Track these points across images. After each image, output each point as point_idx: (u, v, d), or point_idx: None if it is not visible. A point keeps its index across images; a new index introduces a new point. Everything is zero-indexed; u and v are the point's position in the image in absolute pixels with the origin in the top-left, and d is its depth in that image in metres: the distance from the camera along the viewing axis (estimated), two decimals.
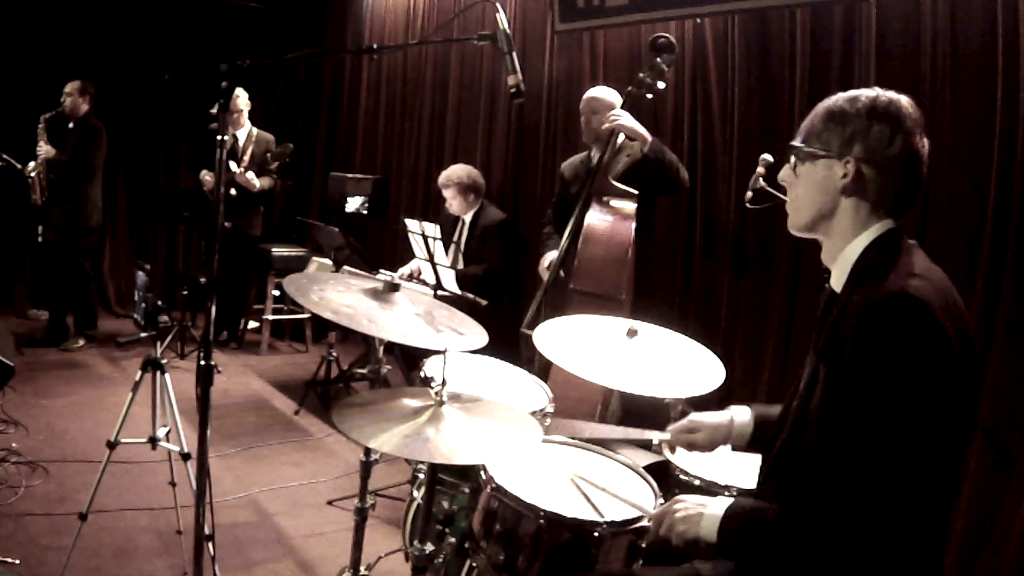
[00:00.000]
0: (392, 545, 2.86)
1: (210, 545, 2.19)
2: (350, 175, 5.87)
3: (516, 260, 4.57)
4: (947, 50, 2.81)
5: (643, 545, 1.65)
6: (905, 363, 1.20)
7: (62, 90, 5.19)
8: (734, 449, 1.75)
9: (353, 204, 5.66)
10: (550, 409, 2.25)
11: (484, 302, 4.03)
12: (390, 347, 4.14)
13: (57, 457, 3.55)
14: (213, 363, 1.84)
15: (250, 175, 5.35)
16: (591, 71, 4.29)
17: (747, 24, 3.51)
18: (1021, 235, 2.62)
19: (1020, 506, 2.54)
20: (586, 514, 1.66)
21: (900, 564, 1.25)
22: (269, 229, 6.04)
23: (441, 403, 1.74)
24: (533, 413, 2.04)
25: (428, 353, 2.31)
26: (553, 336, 2.14)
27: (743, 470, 1.90)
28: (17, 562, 2.66)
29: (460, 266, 4.38)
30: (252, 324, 6.07)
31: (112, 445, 2.65)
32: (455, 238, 4.52)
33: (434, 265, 3.99)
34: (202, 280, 5.51)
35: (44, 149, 5.12)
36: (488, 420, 1.75)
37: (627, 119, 3.24)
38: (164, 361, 2.72)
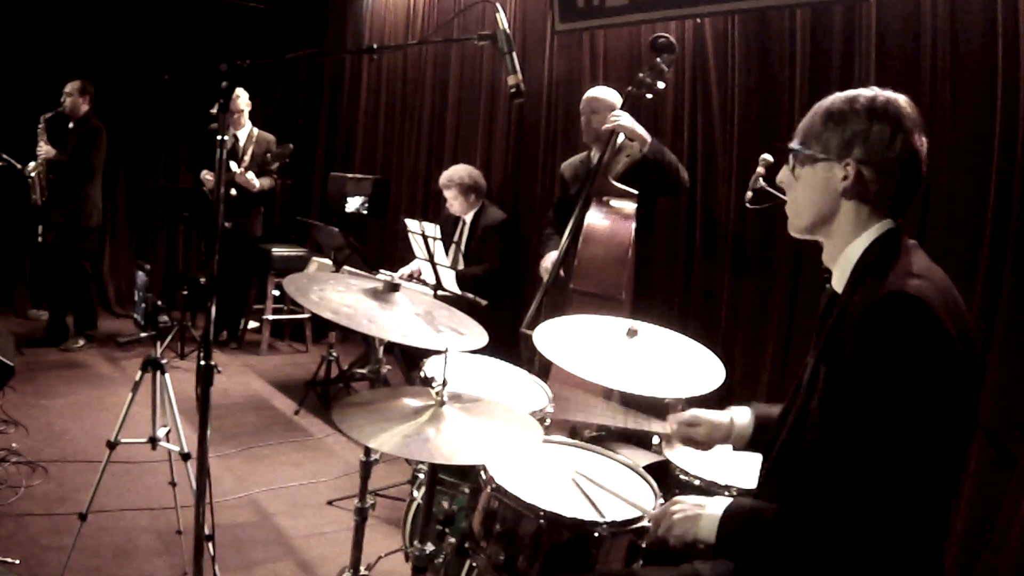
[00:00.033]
0: (392, 545, 2.86)
1: (210, 545, 2.19)
2: (350, 175, 5.87)
3: (517, 260, 4.57)
4: (947, 50, 2.81)
5: (643, 545, 1.65)
6: (906, 363, 1.20)
7: (62, 90, 5.19)
8: (735, 449, 1.74)
9: (353, 204, 5.66)
10: (550, 409, 2.25)
11: (484, 302, 4.03)
12: (390, 347, 4.14)
13: (57, 457, 3.55)
14: (213, 363, 1.84)
15: (250, 175, 5.35)
16: (591, 71, 4.29)
17: (747, 24, 3.51)
18: (1021, 235, 2.62)
19: (1020, 506, 2.54)
20: (586, 514, 1.66)
21: (900, 564, 1.25)
22: (269, 229, 6.04)
23: (441, 403, 1.74)
24: (533, 413, 2.04)
25: (428, 353, 2.31)
26: (553, 336, 2.14)
27: (743, 470, 1.90)
28: (17, 562, 2.66)
29: (460, 266, 4.38)
30: (252, 324, 6.07)
31: (112, 445, 2.65)
32: (456, 238, 4.52)
33: (434, 265, 3.99)
34: (202, 280, 5.51)
35: (44, 149, 5.12)
36: (488, 420, 1.75)
37: (627, 119, 3.24)
38: (164, 361, 2.72)
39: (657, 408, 2.34)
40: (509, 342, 3.13)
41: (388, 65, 6.10)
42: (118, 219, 6.59)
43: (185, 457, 2.70)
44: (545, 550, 1.63)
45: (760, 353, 3.47)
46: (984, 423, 2.61)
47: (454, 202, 4.50)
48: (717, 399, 1.99)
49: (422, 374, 2.33)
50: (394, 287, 2.00)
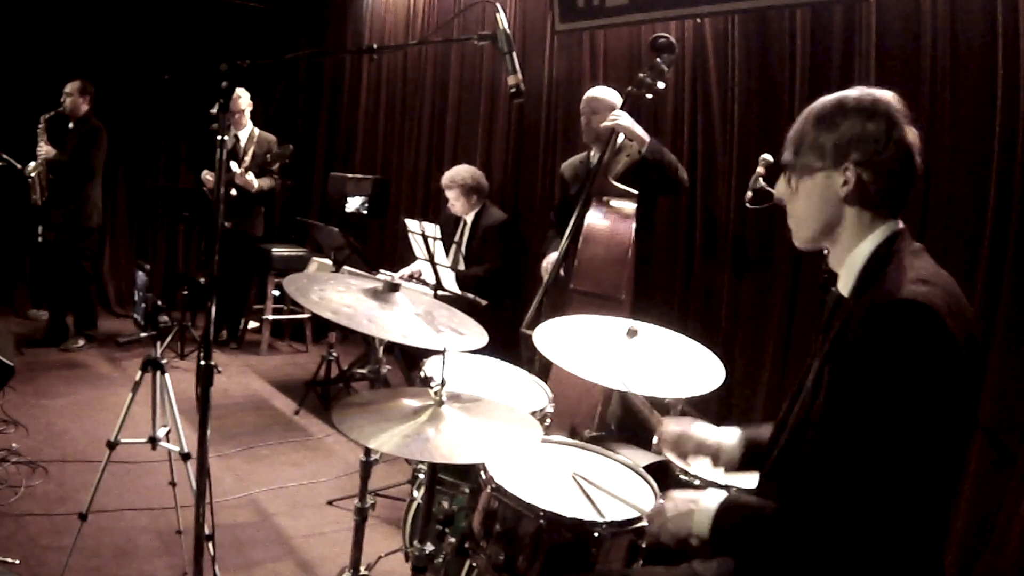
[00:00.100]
0: (392, 545, 2.86)
1: (210, 545, 2.19)
2: (350, 175, 5.87)
3: (517, 261, 4.57)
4: (947, 50, 2.81)
5: (643, 545, 1.65)
6: (912, 368, 1.20)
7: (62, 90, 5.19)
8: (727, 471, 1.73)
9: (353, 204, 5.66)
10: (550, 409, 2.25)
11: (484, 302, 4.03)
12: (390, 347, 4.14)
13: (57, 457, 3.55)
14: (213, 363, 1.84)
15: (249, 176, 5.35)
16: (591, 71, 4.29)
17: (747, 24, 3.51)
18: (1021, 235, 2.62)
19: (1020, 506, 2.54)
20: (586, 514, 1.66)
21: (900, 564, 1.25)
22: (269, 229, 6.04)
23: (441, 403, 1.74)
24: (533, 413, 2.04)
25: (428, 353, 2.31)
26: (553, 336, 2.14)
27: (746, 476, 1.89)
28: (17, 562, 2.66)
29: (461, 267, 4.38)
30: (252, 324, 6.07)
31: (112, 445, 2.65)
32: (456, 239, 4.52)
33: (434, 265, 3.99)
34: (202, 280, 5.51)
35: (44, 149, 5.12)
36: (488, 420, 1.75)
37: (625, 119, 3.24)
38: (164, 361, 2.72)
39: (657, 408, 2.34)
40: (509, 342, 3.13)
41: (388, 65, 6.10)
42: (118, 219, 6.59)
43: (185, 457, 2.70)
44: (545, 550, 1.63)
45: (760, 353, 3.47)
46: (984, 423, 2.61)
47: (456, 202, 4.50)
48: (717, 399, 2.00)
49: (422, 374, 2.34)
50: (394, 287, 2.00)
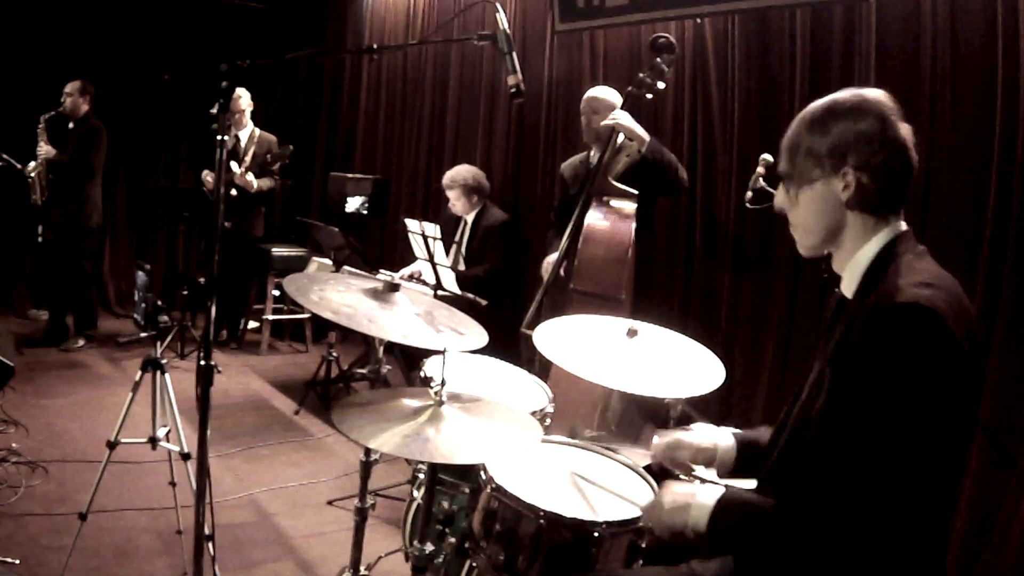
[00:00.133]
0: (392, 545, 2.86)
1: (210, 545, 2.19)
2: (350, 175, 5.87)
3: (517, 261, 4.57)
4: (947, 50, 2.81)
5: (643, 545, 1.65)
6: (915, 372, 1.20)
7: (62, 90, 5.19)
8: (720, 476, 1.72)
9: (353, 204, 5.66)
10: (550, 409, 2.25)
11: (484, 302, 4.03)
12: (390, 347, 4.14)
13: (57, 457, 3.55)
14: (213, 363, 1.84)
15: (249, 176, 5.35)
16: (591, 71, 4.29)
17: (747, 24, 3.51)
18: (1021, 235, 2.62)
19: (1020, 506, 2.54)
20: (586, 514, 1.66)
21: (901, 564, 1.25)
22: (269, 229, 6.04)
23: (441, 403, 1.74)
24: (533, 413, 2.04)
25: (428, 353, 2.31)
26: (553, 336, 2.13)
27: (741, 481, 1.89)
28: (17, 562, 2.66)
29: (461, 267, 4.38)
30: (252, 324, 6.07)
31: (112, 445, 2.65)
32: (457, 239, 4.52)
33: (434, 265, 3.99)
34: (202, 280, 5.51)
35: (44, 149, 5.12)
36: (488, 420, 1.75)
37: (625, 118, 3.24)
38: (164, 361, 2.72)
39: (657, 408, 2.35)
40: (509, 342, 3.13)
41: (388, 65, 6.10)
42: (118, 219, 6.59)
43: (185, 457, 2.70)
44: (545, 550, 1.63)
45: (760, 353, 3.47)
46: (984, 423, 2.61)
47: (457, 202, 4.50)
48: (717, 399, 1.99)
49: (422, 374, 2.33)
50: (394, 287, 2.00)
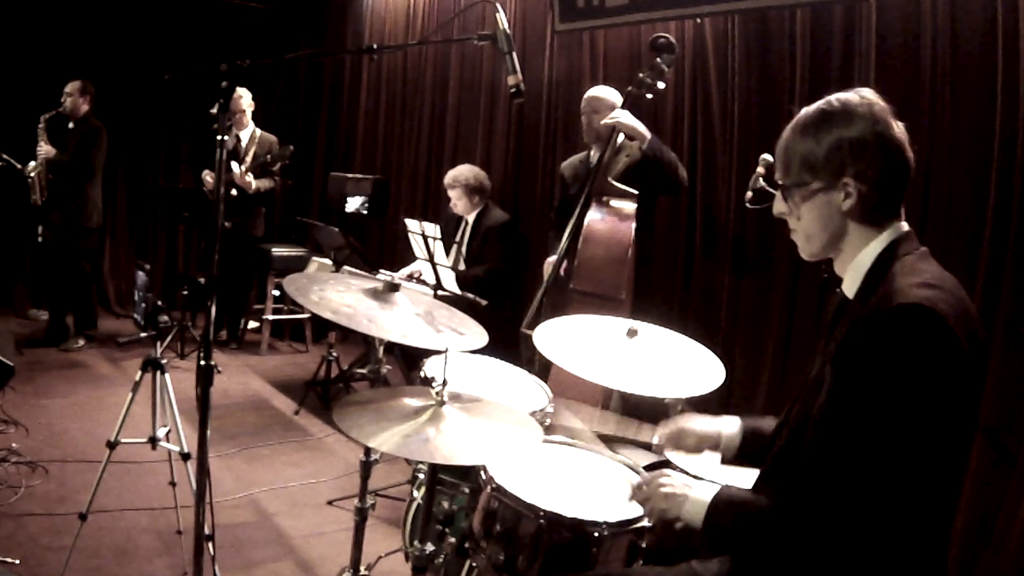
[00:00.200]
0: (392, 545, 2.86)
1: (210, 545, 2.19)
2: (350, 175, 5.87)
3: (518, 261, 4.57)
4: (947, 50, 2.81)
5: (643, 545, 1.65)
6: (917, 372, 1.20)
7: (62, 90, 5.19)
8: (724, 462, 1.73)
9: (353, 204, 5.66)
10: (550, 409, 2.25)
11: (484, 302, 4.03)
12: (390, 347, 4.14)
13: (57, 457, 3.55)
14: (213, 363, 1.84)
15: (249, 177, 5.35)
16: (591, 71, 4.29)
17: (747, 24, 3.51)
18: (1021, 235, 2.62)
19: (1020, 506, 2.54)
20: (586, 514, 1.66)
21: (902, 564, 1.25)
22: (269, 229, 6.04)
23: (441, 403, 1.74)
24: (533, 413, 2.04)
25: (428, 353, 2.31)
26: (553, 336, 2.13)
27: (744, 471, 1.89)
28: (17, 562, 2.66)
29: (461, 267, 4.38)
30: (252, 324, 6.07)
31: (112, 445, 2.65)
32: (458, 238, 4.52)
33: (434, 265, 3.99)
34: (202, 280, 5.51)
35: (44, 149, 5.12)
36: (488, 420, 1.75)
37: (626, 117, 3.24)
38: (164, 361, 2.72)
39: (657, 408, 2.35)
40: (509, 342, 3.13)
41: (388, 65, 6.10)
42: (118, 219, 6.59)
43: (185, 457, 2.70)
44: (545, 550, 1.63)
45: (760, 353, 3.47)
46: (984, 423, 2.61)
47: (458, 202, 4.50)
48: (717, 399, 1.99)
49: (422, 374, 2.33)
50: (394, 287, 2.00)
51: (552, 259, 3.46)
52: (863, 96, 1.36)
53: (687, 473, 1.92)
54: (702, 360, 2.12)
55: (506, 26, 2.00)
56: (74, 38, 5.99)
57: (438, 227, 4.06)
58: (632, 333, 2.14)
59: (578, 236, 3.15)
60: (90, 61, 5.84)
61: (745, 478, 1.62)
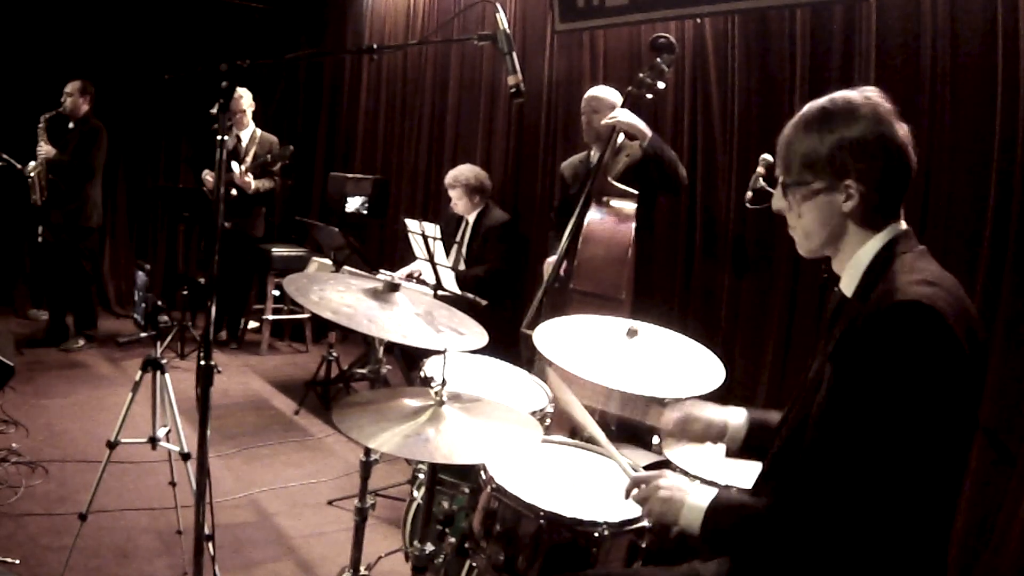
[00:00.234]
0: (392, 545, 2.86)
1: (210, 545, 2.19)
2: (350, 175, 5.87)
3: (518, 261, 4.57)
4: (947, 50, 2.81)
5: (643, 545, 1.65)
6: (916, 370, 1.19)
7: (62, 90, 5.19)
8: (728, 454, 1.73)
9: (353, 204, 5.66)
10: (550, 409, 2.25)
11: (484, 302, 4.03)
12: (390, 347, 4.14)
13: (57, 457, 3.55)
14: (213, 363, 1.84)
15: (248, 177, 5.35)
16: (591, 71, 4.29)
17: (747, 24, 3.51)
18: (1021, 235, 2.62)
19: (1020, 506, 2.54)
20: (586, 514, 1.66)
21: (902, 565, 1.24)
22: (269, 229, 6.04)
23: (441, 403, 1.74)
24: (533, 413, 2.04)
25: (428, 353, 2.31)
26: (553, 336, 2.14)
27: (744, 471, 1.89)
28: (17, 562, 2.66)
29: (462, 267, 4.38)
30: (252, 324, 6.07)
31: (112, 445, 2.65)
32: (458, 238, 4.52)
33: (434, 265, 3.99)
34: (202, 280, 5.51)
35: (44, 149, 5.12)
36: (488, 420, 1.75)
37: (626, 116, 3.24)
38: (164, 361, 2.72)
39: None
40: (509, 342, 3.13)
41: (388, 65, 6.10)
42: (118, 219, 6.59)
43: (185, 457, 2.70)
44: (545, 550, 1.63)
45: (760, 353, 3.47)
46: (984, 423, 2.61)
47: (458, 202, 4.50)
48: (717, 399, 1.99)
49: (422, 374, 2.33)
50: (394, 287, 2.00)
51: (552, 259, 3.46)
52: (867, 96, 1.35)
53: (687, 474, 1.93)
54: (702, 360, 2.12)
55: (506, 26, 2.00)
56: (74, 38, 5.99)
57: (438, 227, 4.06)
58: (632, 333, 2.14)
59: (578, 236, 3.15)
60: (90, 61, 5.84)
61: (749, 472, 1.62)
